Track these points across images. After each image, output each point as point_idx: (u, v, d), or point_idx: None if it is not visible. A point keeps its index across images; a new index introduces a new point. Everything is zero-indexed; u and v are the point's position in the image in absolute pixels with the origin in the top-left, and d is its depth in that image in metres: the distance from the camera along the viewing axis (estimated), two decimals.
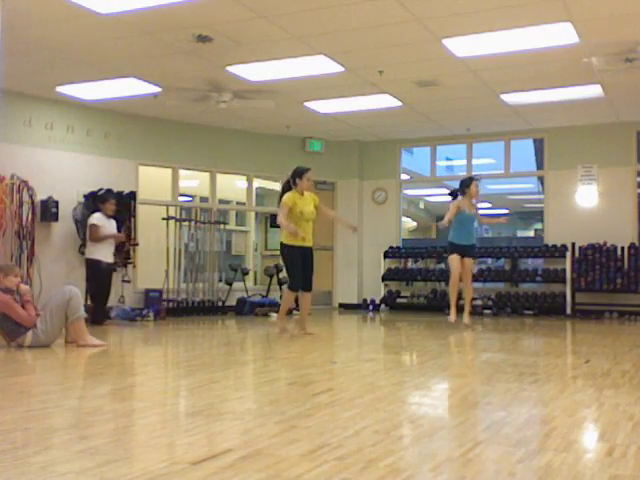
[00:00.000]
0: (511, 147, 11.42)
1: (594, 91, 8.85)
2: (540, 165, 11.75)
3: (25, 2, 6.10)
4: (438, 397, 3.97)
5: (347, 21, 6.56)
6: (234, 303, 10.80)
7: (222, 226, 11.40)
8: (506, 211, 20.05)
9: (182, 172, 11.00)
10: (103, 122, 9.92)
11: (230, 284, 11.04)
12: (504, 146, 11.43)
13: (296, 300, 7.58)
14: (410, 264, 12.17)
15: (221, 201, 11.77)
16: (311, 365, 5.09)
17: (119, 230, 8.90)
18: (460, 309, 8.49)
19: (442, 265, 11.61)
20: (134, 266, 9.89)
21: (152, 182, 10.57)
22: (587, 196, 10.75)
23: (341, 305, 12.27)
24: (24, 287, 6.01)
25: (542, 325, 8.98)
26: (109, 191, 9.32)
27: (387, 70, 8.06)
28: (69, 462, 2.37)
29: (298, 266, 7.07)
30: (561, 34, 6.77)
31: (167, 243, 10.37)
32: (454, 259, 8.25)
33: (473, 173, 11.73)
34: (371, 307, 11.83)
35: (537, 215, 15.99)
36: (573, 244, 10.60)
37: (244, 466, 2.31)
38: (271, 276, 11.37)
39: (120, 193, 9.68)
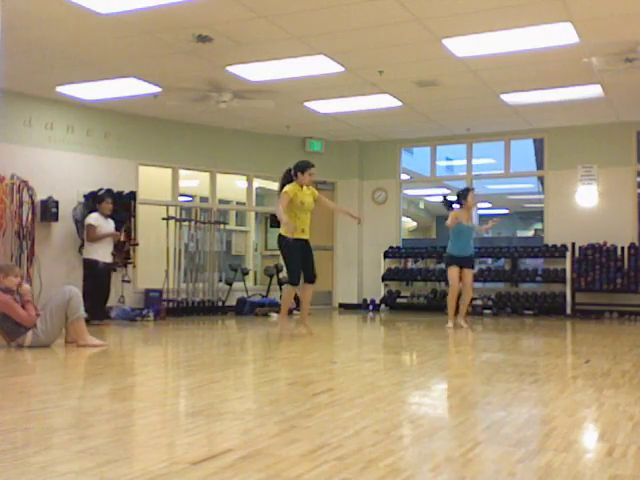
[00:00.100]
0: (511, 147, 11.42)
1: (594, 91, 8.85)
2: (540, 165, 11.75)
3: (25, 2, 6.10)
4: (438, 397, 3.97)
5: (347, 21, 6.56)
6: (234, 303, 10.80)
7: (222, 226, 11.40)
8: (506, 211, 20.10)
9: (182, 172, 11.01)
10: (103, 122, 9.92)
11: (230, 284, 11.04)
12: (504, 146, 11.43)
13: (296, 299, 7.54)
14: (410, 264, 12.17)
15: (221, 201, 11.77)
16: (311, 365, 5.08)
17: (117, 230, 8.90)
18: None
19: (442, 265, 11.59)
20: (134, 266, 9.90)
21: (152, 182, 10.57)
22: (587, 196, 10.75)
23: (341, 305, 12.27)
24: (26, 287, 6.00)
25: (542, 325, 8.98)
26: (109, 191, 9.33)
27: (387, 70, 8.06)
28: (69, 462, 2.37)
29: (297, 259, 7.01)
30: (561, 34, 6.78)
31: (167, 243, 10.37)
32: (453, 271, 8.24)
33: (473, 173, 11.78)
34: (371, 307, 11.83)
35: (537, 215, 16.01)
36: (573, 244, 10.60)
37: (244, 466, 2.31)
38: (271, 276, 11.38)
39: (120, 193, 9.70)
